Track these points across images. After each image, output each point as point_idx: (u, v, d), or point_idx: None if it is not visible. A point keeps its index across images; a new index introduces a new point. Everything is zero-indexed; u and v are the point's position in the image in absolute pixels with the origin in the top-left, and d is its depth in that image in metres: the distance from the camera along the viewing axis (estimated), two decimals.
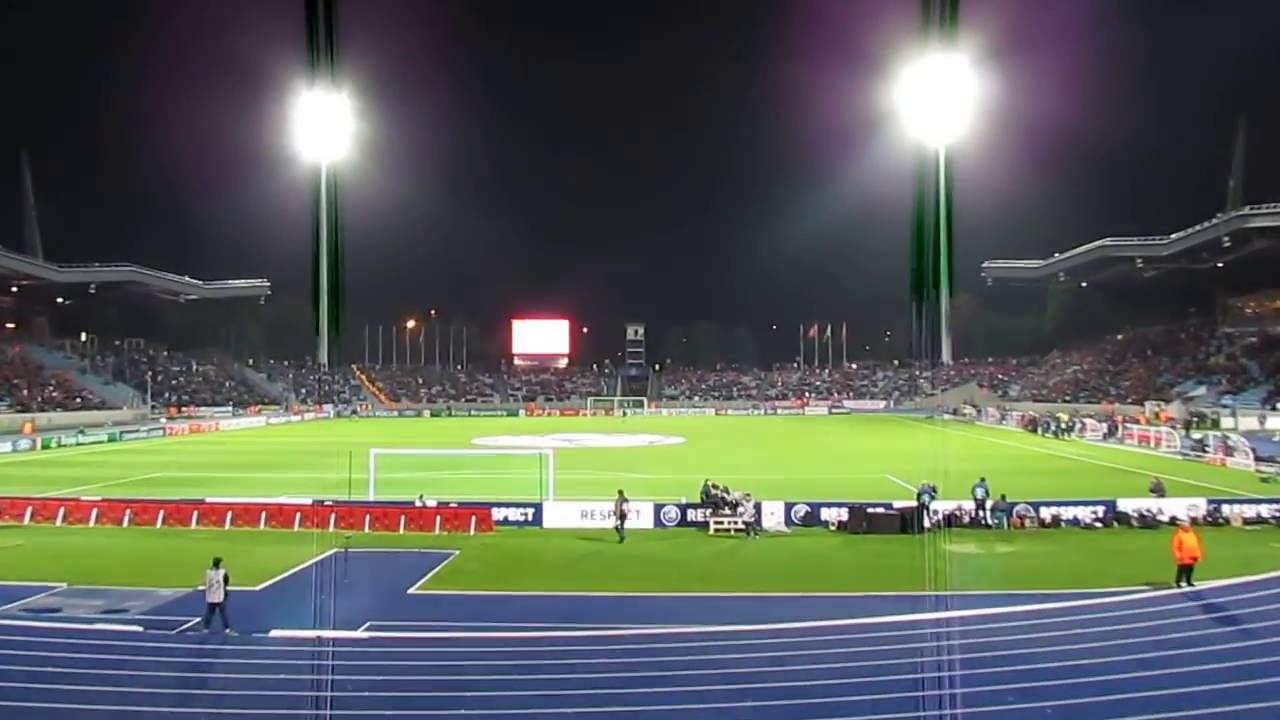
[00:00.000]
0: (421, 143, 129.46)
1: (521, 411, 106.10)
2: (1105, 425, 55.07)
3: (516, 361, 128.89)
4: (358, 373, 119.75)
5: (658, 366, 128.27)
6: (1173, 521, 25.69)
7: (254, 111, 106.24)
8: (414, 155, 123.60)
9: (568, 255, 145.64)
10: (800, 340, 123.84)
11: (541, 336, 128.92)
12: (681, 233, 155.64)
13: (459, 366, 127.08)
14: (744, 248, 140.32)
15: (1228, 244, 71.13)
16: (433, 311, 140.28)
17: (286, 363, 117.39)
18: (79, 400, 79.44)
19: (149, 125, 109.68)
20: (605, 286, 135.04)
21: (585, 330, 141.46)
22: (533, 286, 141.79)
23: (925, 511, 26.55)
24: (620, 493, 26.44)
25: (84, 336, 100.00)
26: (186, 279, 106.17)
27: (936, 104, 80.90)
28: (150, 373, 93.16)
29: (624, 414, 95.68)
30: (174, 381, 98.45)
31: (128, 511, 27.56)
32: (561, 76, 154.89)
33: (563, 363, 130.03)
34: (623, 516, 25.63)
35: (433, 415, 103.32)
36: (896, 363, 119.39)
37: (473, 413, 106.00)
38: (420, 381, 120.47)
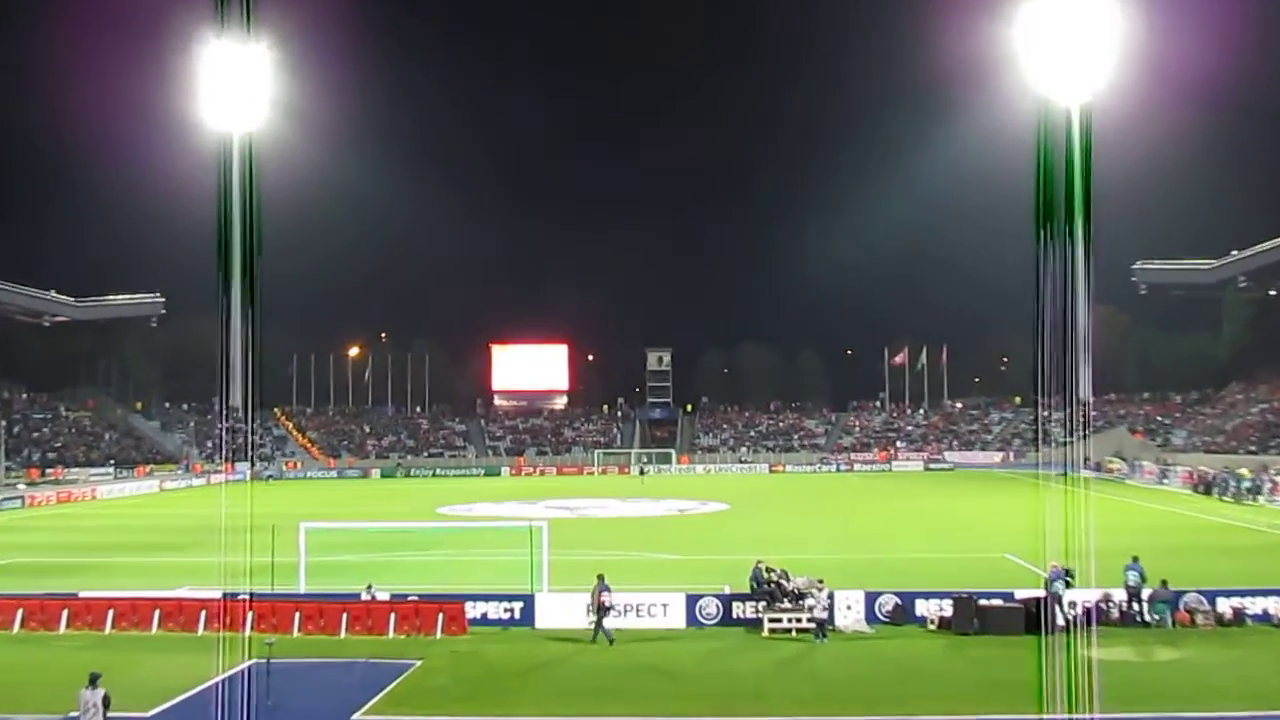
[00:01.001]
0: (370, 110, 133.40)
1: (505, 469, 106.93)
2: None
3: (498, 401, 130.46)
4: (283, 419, 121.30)
5: (690, 407, 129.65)
6: None
7: (142, 66, 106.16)
8: (360, 127, 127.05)
9: (567, 260, 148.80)
10: (885, 370, 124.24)
11: (532, 367, 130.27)
12: (720, 227, 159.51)
13: (419, 409, 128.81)
14: (805, 246, 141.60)
15: None
16: (383, 335, 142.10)
17: (187, 407, 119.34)
18: None
19: None
20: (617, 300, 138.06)
21: (590, 358, 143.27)
22: (520, 301, 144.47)
23: (1059, 604, 26.37)
24: (600, 578, 26.67)
25: None
26: (52, 295, 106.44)
27: (1068, 49, 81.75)
28: (3, 422, 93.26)
29: (644, 472, 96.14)
30: (35, 434, 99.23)
31: None
32: (558, 25, 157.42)
33: (560, 402, 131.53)
34: (603, 610, 25.82)
35: (384, 476, 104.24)
36: (1018, 400, 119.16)
37: (438, 472, 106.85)
38: (367, 430, 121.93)
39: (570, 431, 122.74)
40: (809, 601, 26.52)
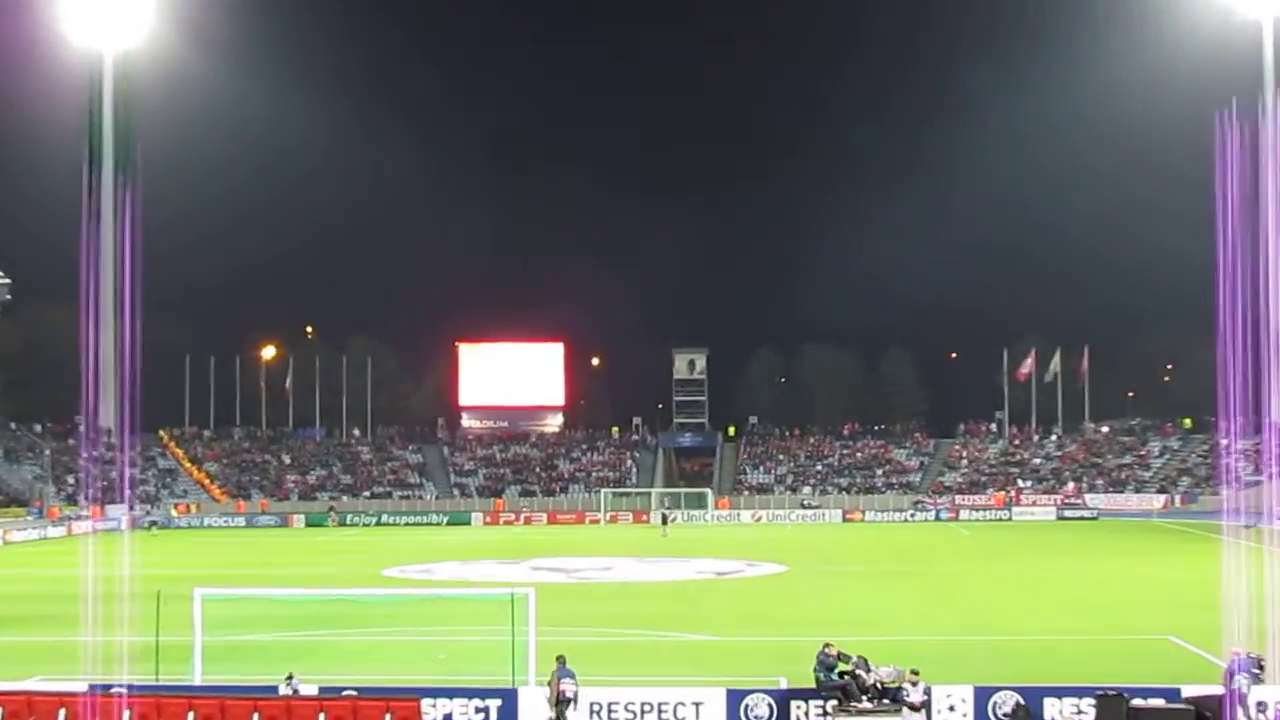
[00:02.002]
0: (292, 29, 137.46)
1: (477, 516, 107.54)
2: None
3: (467, 422, 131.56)
4: (172, 446, 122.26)
5: (733, 431, 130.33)
6: None
7: None
8: (277, 49, 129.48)
9: (562, 232, 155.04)
10: (1004, 382, 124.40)
11: (514, 374, 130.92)
12: (770, 192, 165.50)
13: (359, 433, 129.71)
14: (891, 218, 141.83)
15: None
16: (310, 331, 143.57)
17: (40, 428, 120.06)
18: None
19: None
20: (632, 286, 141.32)
21: (596, 363, 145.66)
22: (499, 285, 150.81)
23: (1243, 706, 26.04)
24: (560, 661, 27.10)
25: None
26: None
27: None
28: None
29: (666, 520, 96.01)
30: None
31: None
32: None
33: (553, 423, 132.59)
34: (563, 702, 26.27)
35: (311, 524, 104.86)
36: (1187, 424, 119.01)
37: (385, 519, 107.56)
38: (287, 461, 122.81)
39: (567, 464, 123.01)
40: (905, 693, 26.61)
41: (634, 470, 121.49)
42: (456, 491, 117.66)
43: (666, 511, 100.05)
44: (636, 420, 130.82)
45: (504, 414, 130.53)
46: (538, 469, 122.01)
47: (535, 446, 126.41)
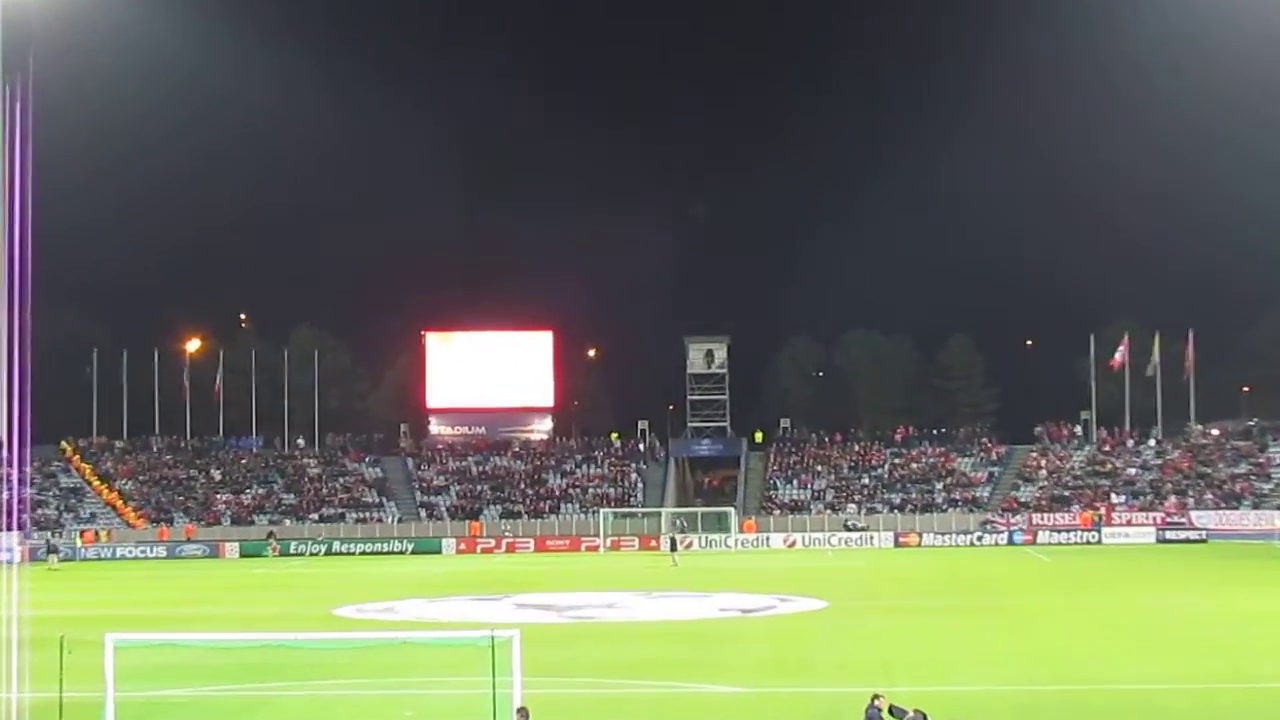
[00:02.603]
0: None
1: (448, 543, 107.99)
2: None
3: (437, 428, 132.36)
4: (75, 461, 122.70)
5: (760, 437, 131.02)
6: None
7: None
8: None
9: (550, 200, 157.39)
10: (1090, 375, 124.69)
11: (493, 370, 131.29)
12: (803, 151, 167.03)
13: (304, 443, 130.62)
14: (946, 174, 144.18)
15: None
16: (244, 320, 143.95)
17: None
18: None
19: None
20: (635, 263, 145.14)
21: (592, 355, 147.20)
22: (473, 264, 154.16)
23: None
24: (521, 715, 27.41)
25: None
26: None
27: None
28: None
29: (675, 546, 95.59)
30: None
31: None
32: None
33: (541, 428, 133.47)
34: None
35: (247, 554, 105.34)
36: None
37: (338, 546, 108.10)
38: (217, 478, 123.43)
39: (558, 479, 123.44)
40: None
41: (640, 486, 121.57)
42: (423, 513, 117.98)
43: (678, 535, 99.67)
44: (642, 425, 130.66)
45: (481, 418, 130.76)
46: (522, 485, 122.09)
47: (519, 457, 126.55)
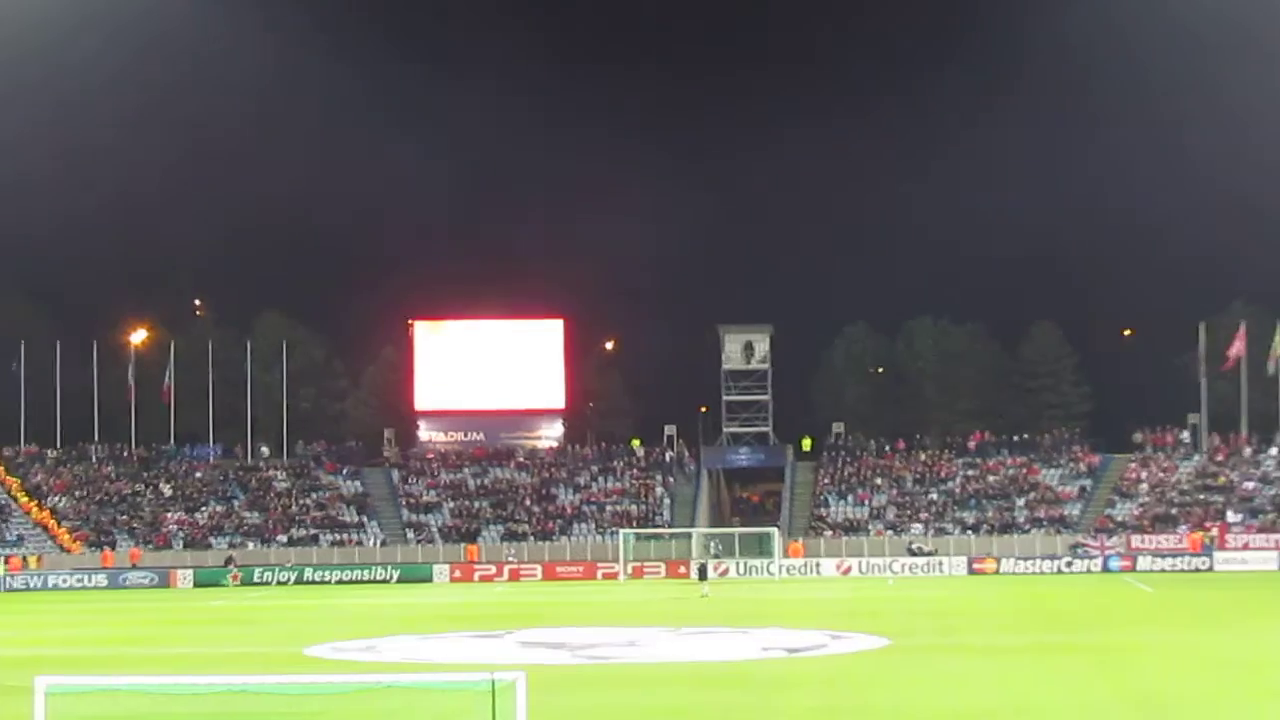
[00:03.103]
0: None
1: (440, 570, 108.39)
2: None
3: (426, 433, 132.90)
4: (0, 473, 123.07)
5: (808, 444, 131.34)
6: None
7: None
8: None
9: (561, 168, 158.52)
10: (1200, 370, 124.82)
11: (492, 366, 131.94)
12: (856, 109, 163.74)
13: (269, 451, 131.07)
14: (1028, 132, 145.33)
15: None
16: (199, 306, 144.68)
17: None
18: None
19: None
20: (660, 241, 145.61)
21: (610, 348, 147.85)
22: (471, 243, 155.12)
23: None
24: None
25: None
26: None
27: None
28: None
29: (707, 574, 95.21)
30: None
31: None
32: None
33: (550, 433, 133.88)
34: None
35: (203, 584, 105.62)
36: None
37: (310, 574, 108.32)
38: (167, 494, 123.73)
39: (571, 494, 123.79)
40: None
41: (666, 502, 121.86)
42: (411, 534, 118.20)
43: (711, 561, 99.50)
44: (669, 430, 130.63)
45: (479, 422, 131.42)
46: (528, 501, 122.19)
47: (524, 468, 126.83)
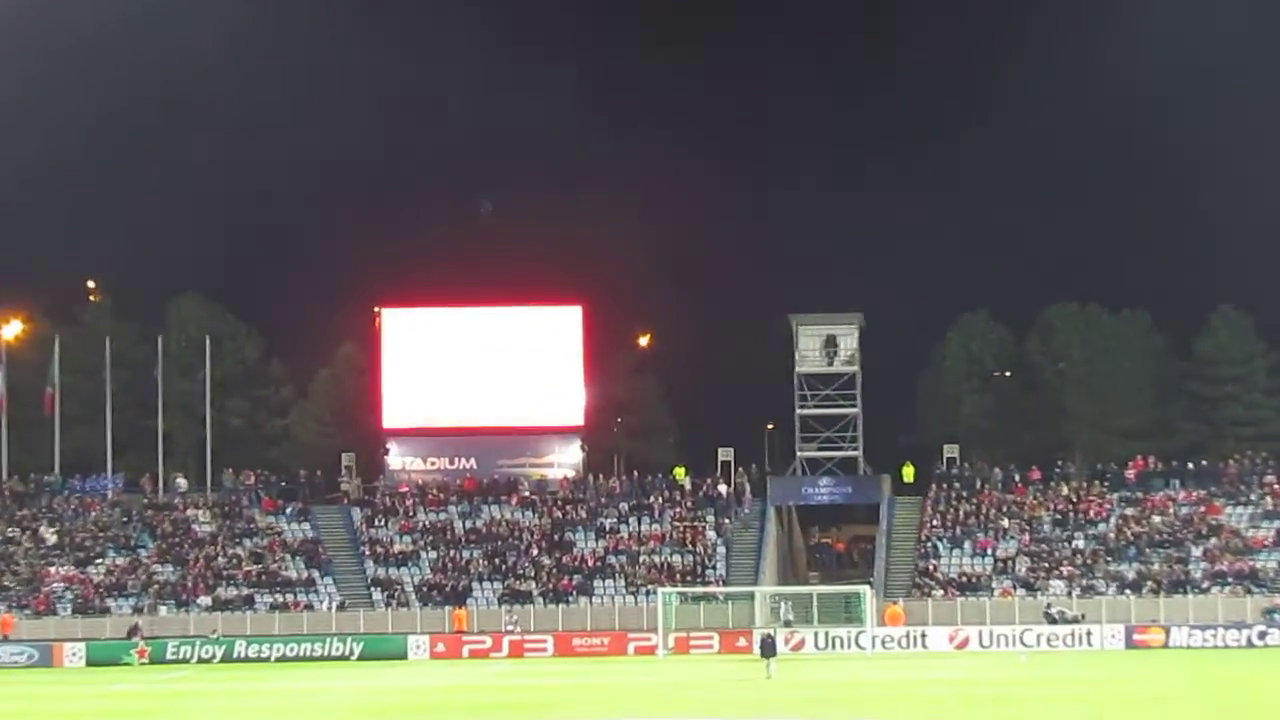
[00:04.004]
0: None
1: (418, 643, 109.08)
2: None
3: (398, 461, 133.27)
4: None
5: (910, 474, 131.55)
6: None
7: None
8: None
9: (573, 100, 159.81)
10: None
11: (487, 368, 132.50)
12: (985, 27, 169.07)
13: (185, 483, 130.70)
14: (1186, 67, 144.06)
15: None
16: (91, 288, 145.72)
17: None
18: None
19: None
20: (710, 201, 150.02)
21: (644, 342, 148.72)
22: (454, 200, 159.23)
23: None
24: None
25: None
26: None
27: None
28: None
29: (772, 649, 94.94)
30: None
31: None
32: None
33: (564, 459, 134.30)
34: None
35: (99, 660, 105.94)
36: None
37: (243, 648, 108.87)
38: (51, 540, 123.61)
39: (593, 540, 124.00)
40: None
41: (721, 551, 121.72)
42: (379, 595, 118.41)
43: (779, 630, 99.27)
44: (725, 455, 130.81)
45: (470, 444, 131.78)
46: (535, 550, 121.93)
47: (530, 507, 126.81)
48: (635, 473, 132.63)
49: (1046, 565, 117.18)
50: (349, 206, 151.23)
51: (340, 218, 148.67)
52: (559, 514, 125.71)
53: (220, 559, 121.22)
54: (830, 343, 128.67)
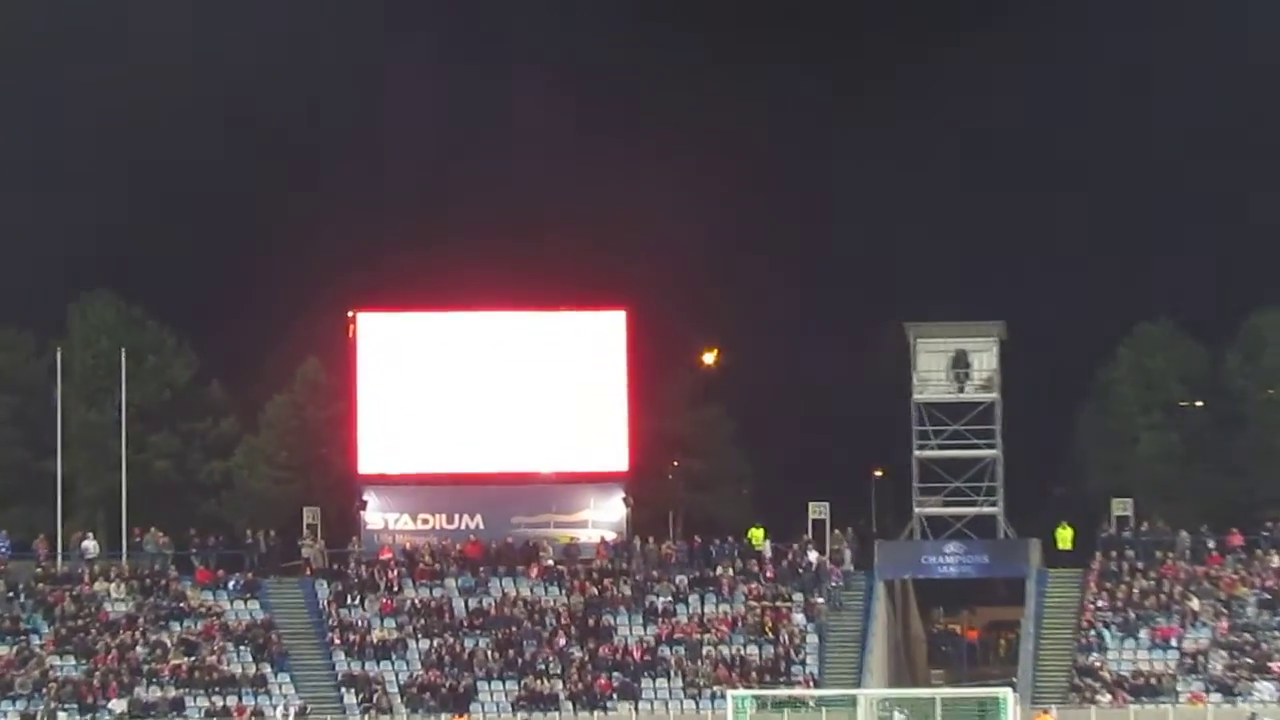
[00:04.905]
0: None
1: None
2: None
3: (378, 520, 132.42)
4: None
5: (1068, 535, 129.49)
6: None
7: None
8: None
9: (612, 50, 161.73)
10: None
11: (495, 393, 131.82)
12: None
13: (94, 548, 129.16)
14: None
15: None
16: None
17: None
18: None
19: None
20: (795, 173, 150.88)
21: (710, 360, 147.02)
22: (449, 173, 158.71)
23: None
24: None
25: None
26: None
27: None
28: None
29: None
30: None
31: None
32: None
33: (601, 516, 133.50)
34: None
35: None
36: None
37: None
38: None
39: (640, 625, 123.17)
40: None
41: (812, 641, 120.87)
42: (351, 697, 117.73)
43: None
44: (817, 511, 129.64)
45: (474, 497, 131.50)
46: (563, 639, 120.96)
47: (555, 580, 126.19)
48: (695, 536, 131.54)
49: (1250, 661, 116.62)
50: (312, 174, 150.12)
51: (302, 189, 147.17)
52: (594, 590, 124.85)
53: (140, 649, 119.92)
54: (960, 361, 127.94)
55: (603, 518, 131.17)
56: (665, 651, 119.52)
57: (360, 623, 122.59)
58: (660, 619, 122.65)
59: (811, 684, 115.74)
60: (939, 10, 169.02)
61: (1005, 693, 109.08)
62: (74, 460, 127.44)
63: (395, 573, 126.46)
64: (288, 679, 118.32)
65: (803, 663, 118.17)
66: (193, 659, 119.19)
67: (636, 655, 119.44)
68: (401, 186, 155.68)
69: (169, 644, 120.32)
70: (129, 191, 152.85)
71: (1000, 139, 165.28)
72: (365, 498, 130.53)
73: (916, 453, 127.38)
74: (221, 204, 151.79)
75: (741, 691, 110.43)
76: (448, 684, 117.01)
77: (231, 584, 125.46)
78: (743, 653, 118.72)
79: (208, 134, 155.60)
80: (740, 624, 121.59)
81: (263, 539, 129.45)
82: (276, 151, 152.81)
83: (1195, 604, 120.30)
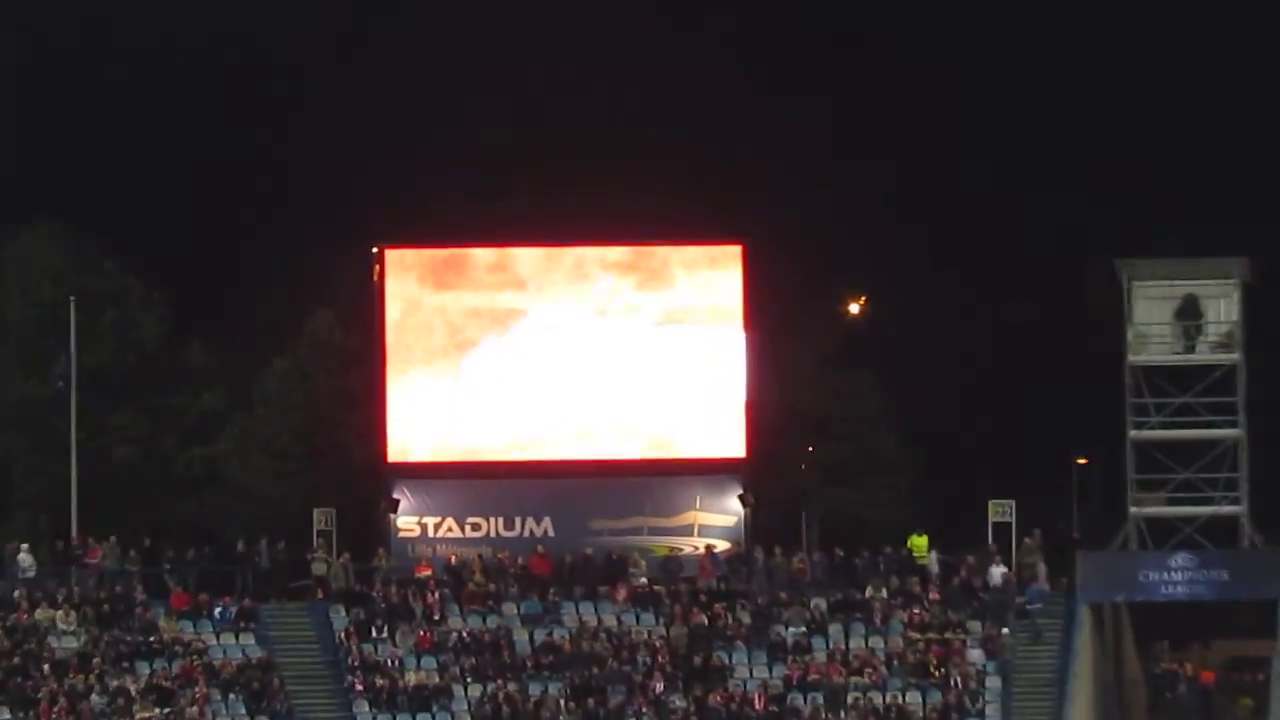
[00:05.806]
0: None
1: None
2: None
3: (409, 520, 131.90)
4: None
5: None
6: None
7: None
8: None
9: None
10: None
11: (567, 355, 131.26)
12: None
13: (25, 557, 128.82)
14: None
15: None
16: None
17: None
18: None
19: None
20: (956, 75, 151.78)
21: (856, 309, 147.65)
22: (500, 70, 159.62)
23: None
24: None
25: None
26: None
27: None
28: None
29: None
30: None
31: None
32: None
33: (715, 519, 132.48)
34: None
35: None
36: None
37: None
38: None
39: (762, 664, 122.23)
40: None
41: (993, 682, 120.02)
42: None
43: None
44: (999, 512, 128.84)
45: (538, 493, 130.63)
46: (660, 682, 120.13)
47: (650, 604, 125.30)
48: (834, 547, 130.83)
49: None
50: (322, 79, 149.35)
51: (312, 100, 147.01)
52: (702, 618, 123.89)
53: (96, 698, 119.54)
54: (1190, 310, 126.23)
55: (712, 522, 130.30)
56: (797, 699, 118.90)
57: (390, 662, 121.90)
58: (790, 657, 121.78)
59: None
60: None
61: None
62: (7, 446, 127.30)
63: (436, 596, 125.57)
64: None
65: (980, 713, 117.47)
66: (166, 711, 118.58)
67: (758, 705, 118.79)
68: (442, 89, 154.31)
69: (133, 691, 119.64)
70: (83, 96, 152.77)
71: None
72: (395, 495, 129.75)
73: (1132, 434, 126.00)
74: (201, 112, 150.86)
75: None
76: None
77: (218, 611, 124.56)
78: (901, 701, 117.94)
79: (187, 24, 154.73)
80: (898, 663, 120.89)
81: (260, 551, 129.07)
82: (285, 46, 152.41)
83: None
